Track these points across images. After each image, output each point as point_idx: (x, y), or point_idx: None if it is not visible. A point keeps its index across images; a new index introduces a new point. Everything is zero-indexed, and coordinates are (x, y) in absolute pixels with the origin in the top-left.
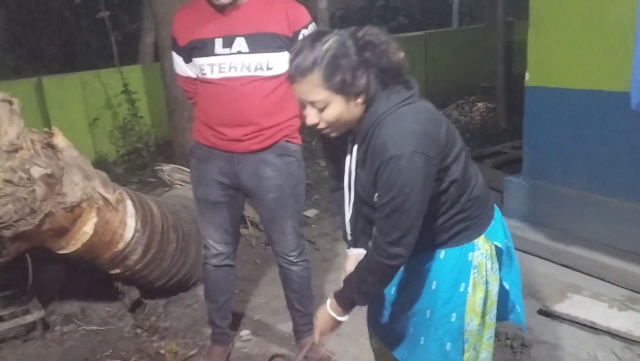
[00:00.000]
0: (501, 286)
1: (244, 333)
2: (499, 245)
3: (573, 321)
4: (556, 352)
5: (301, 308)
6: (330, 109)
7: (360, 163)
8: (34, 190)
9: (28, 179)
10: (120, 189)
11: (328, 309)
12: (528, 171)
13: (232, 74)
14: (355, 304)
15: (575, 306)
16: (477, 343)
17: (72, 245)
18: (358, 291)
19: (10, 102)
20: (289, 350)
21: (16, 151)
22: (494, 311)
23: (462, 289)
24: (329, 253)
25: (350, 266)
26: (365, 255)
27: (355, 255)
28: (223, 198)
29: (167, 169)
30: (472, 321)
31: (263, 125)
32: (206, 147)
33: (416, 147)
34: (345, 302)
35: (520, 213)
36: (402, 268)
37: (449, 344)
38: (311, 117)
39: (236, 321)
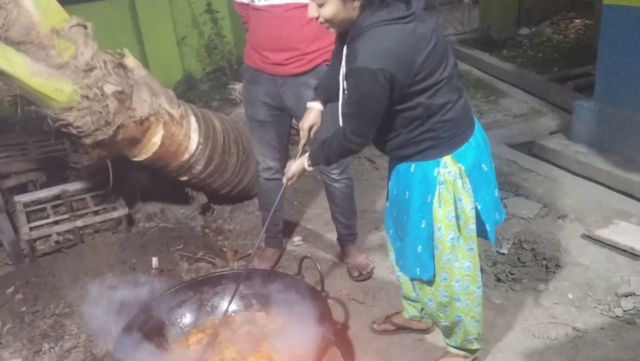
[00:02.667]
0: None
1: (296, 238)
2: (463, 168)
3: (613, 247)
4: (589, 274)
5: (343, 220)
6: (328, 6)
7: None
8: (107, 105)
9: (102, 95)
10: (185, 106)
11: (303, 160)
12: (599, 96)
13: (277, 1)
14: (320, 164)
15: (619, 232)
16: (458, 254)
17: (144, 154)
18: (323, 156)
19: (85, 27)
20: (333, 255)
21: (91, 70)
22: (472, 226)
23: (429, 200)
24: (387, 172)
25: (308, 119)
26: (334, 134)
27: (315, 109)
28: (269, 117)
29: (237, 88)
30: (439, 231)
31: (304, 50)
32: (253, 70)
33: (384, 65)
34: (314, 159)
35: (588, 139)
36: (392, 181)
37: (420, 247)
38: (311, 10)
39: (291, 228)
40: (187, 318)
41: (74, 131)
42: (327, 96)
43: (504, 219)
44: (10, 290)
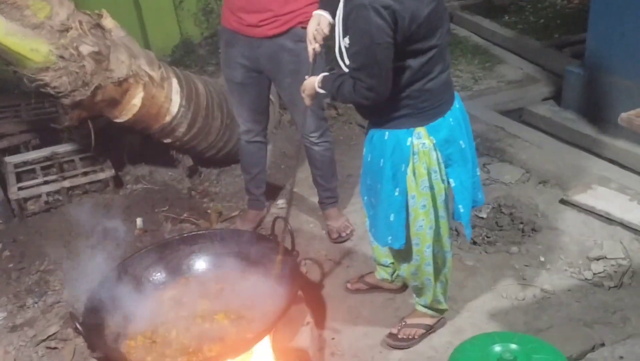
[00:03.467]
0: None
1: (280, 202)
2: (434, 141)
3: (590, 212)
4: (563, 238)
5: (323, 183)
6: None
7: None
8: (83, 65)
9: (78, 55)
10: (166, 68)
11: (315, 82)
12: (589, 61)
13: None
14: (327, 94)
15: (596, 197)
16: (432, 223)
17: (125, 115)
18: (332, 90)
19: None
20: (316, 218)
21: (66, 30)
22: (443, 197)
23: (402, 169)
24: None
25: (311, 24)
26: (348, 80)
27: (318, 15)
28: (247, 79)
29: None
30: (413, 199)
31: (277, 11)
32: (230, 31)
33: (388, 3)
34: (324, 85)
35: (577, 105)
36: (367, 148)
37: (392, 215)
38: None
39: (276, 191)
40: (162, 276)
41: (51, 92)
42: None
43: (483, 201)
44: None
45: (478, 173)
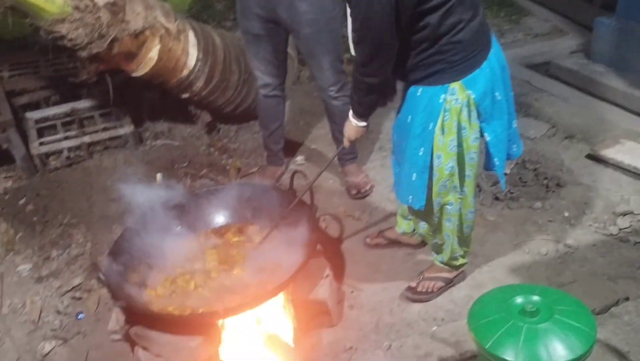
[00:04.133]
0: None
1: (299, 158)
2: (473, 96)
3: (617, 166)
4: (589, 193)
5: (342, 139)
6: None
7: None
8: (99, 17)
9: (93, 6)
10: (182, 20)
11: (350, 118)
12: (622, 12)
13: None
14: (365, 113)
15: (624, 151)
16: (455, 182)
17: (142, 69)
18: (360, 104)
19: None
20: (335, 175)
21: None
22: (472, 155)
23: (430, 128)
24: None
25: None
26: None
27: None
28: (263, 30)
29: None
30: (439, 159)
31: None
32: None
33: None
34: (357, 113)
35: (607, 58)
36: (399, 105)
37: (414, 175)
38: None
39: (295, 148)
40: (182, 229)
41: (68, 44)
42: None
43: (521, 152)
44: (22, 202)
45: (514, 125)
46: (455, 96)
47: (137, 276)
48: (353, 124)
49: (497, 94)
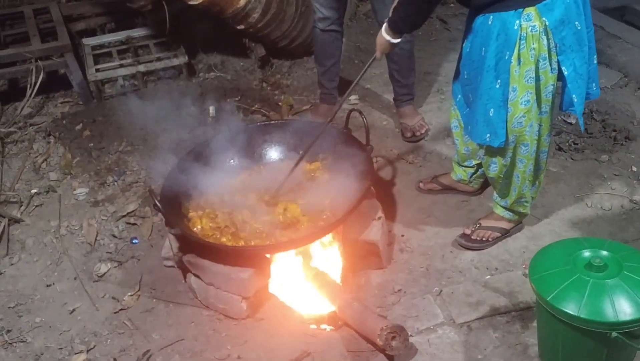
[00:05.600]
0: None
1: (353, 97)
2: (547, 23)
3: None
4: None
5: (400, 79)
6: None
7: None
8: None
9: None
10: None
11: (383, 32)
12: None
13: None
14: (402, 30)
15: None
16: (531, 119)
17: None
18: (403, 21)
19: None
20: (389, 116)
21: None
22: (550, 88)
23: (506, 57)
24: (459, 35)
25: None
26: None
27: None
28: None
29: None
30: (514, 92)
31: None
32: None
33: None
34: (394, 27)
35: None
36: (466, 37)
37: (492, 110)
38: None
39: (349, 87)
40: (235, 162)
41: None
42: None
43: (599, 93)
44: (79, 127)
45: (595, 62)
46: (532, 22)
47: (191, 205)
48: (387, 38)
49: (577, 23)
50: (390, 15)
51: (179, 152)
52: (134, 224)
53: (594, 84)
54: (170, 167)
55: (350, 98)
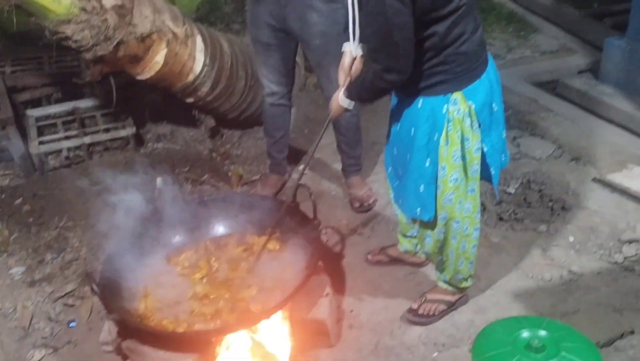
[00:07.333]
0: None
1: (302, 167)
2: (473, 106)
3: (624, 192)
4: (594, 218)
5: (348, 150)
6: None
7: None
8: (106, 19)
9: (101, 8)
10: (191, 25)
11: (341, 96)
12: (633, 33)
13: None
14: (357, 100)
15: (631, 177)
16: (460, 196)
17: (147, 72)
18: (359, 94)
19: None
20: (338, 185)
21: None
22: (475, 167)
23: (435, 138)
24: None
25: (346, 60)
26: (368, 71)
27: (349, 51)
28: (274, 40)
29: None
30: (443, 170)
31: None
32: None
33: None
34: (349, 93)
35: (616, 79)
36: (395, 117)
37: (422, 186)
38: None
39: (299, 156)
40: (180, 238)
41: (73, 46)
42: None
43: (508, 161)
44: (18, 201)
45: (504, 135)
46: (457, 106)
47: (132, 286)
48: (343, 103)
49: (494, 105)
50: (348, 85)
51: (123, 227)
52: (72, 305)
53: (503, 155)
54: (112, 245)
55: (299, 168)
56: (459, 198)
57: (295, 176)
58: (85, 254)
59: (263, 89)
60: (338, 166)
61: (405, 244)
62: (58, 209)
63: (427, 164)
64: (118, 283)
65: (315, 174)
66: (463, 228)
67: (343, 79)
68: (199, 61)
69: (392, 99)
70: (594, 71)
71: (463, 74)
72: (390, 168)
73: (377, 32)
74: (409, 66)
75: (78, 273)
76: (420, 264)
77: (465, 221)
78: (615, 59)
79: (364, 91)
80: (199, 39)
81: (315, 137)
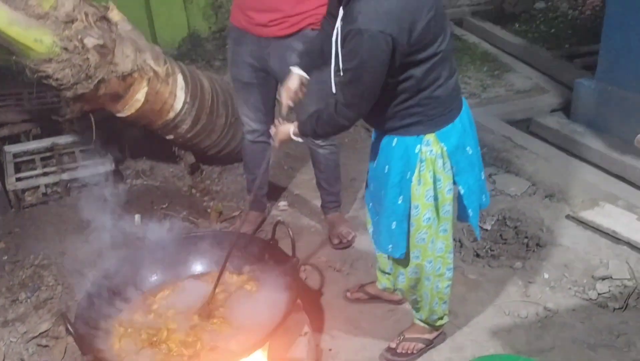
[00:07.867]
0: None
1: (282, 203)
2: (445, 148)
3: (596, 229)
4: (568, 255)
5: (327, 187)
6: None
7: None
8: (87, 58)
9: (82, 47)
10: (172, 63)
11: (293, 129)
12: (601, 74)
13: None
14: (307, 136)
15: (603, 214)
16: (433, 235)
17: (127, 110)
18: (311, 128)
19: None
20: (317, 222)
21: (72, 22)
22: (447, 207)
23: (407, 177)
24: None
25: (292, 83)
26: (326, 106)
27: (298, 75)
28: (254, 79)
29: None
30: (417, 209)
31: (288, 12)
32: (238, 30)
33: (386, 27)
34: (302, 130)
35: (586, 118)
36: (372, 154)
37: (394, 223)
38: None
39: (278, 192)
40: (157, 277)
41: (53, 84)
42: (313, 63)
43: (489, 202)
44: None
45: (483, 177)
46: (430, 147)
47: (108, 325)
48: (293, 137)
49: (468, 148)
50: (301, 122)
51: (99, 265)
52: (46, 346)
53: (483, 196)
54: (87, 284)
55: (279, 204)
56: (431, 237)
57: (274, 212)
58: (60, 293)
59: (243, 127)
60: (318, 202)
61: (384, 282)
62: (34, 246)
63: (400, 201)
64: (94, 323)
65: (295, 211)
66: (436, 268)
67: (285, 98)
68: (180, 98)
69: (373, 135)
70: (566, 109)
71: (437, 117)
72: (370, 204)
73: (350, 70)
74: (368, 108)
75: (53, 312)
76: (398, 302)
77: (437, 261)
78: (584, 99)
79: (320, 126)
80: (179, 77)
81: (295, 173)
